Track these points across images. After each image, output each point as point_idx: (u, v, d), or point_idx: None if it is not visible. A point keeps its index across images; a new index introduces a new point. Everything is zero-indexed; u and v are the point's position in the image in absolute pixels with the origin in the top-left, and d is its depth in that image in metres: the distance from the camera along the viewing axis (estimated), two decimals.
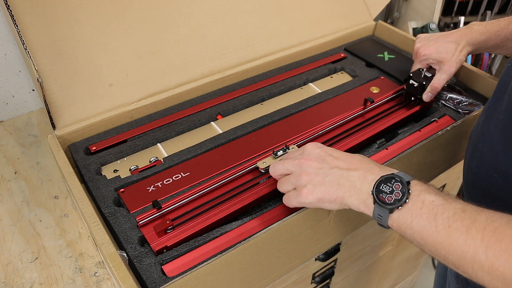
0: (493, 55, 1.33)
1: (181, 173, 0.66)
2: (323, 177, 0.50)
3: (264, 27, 0.88)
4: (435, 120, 0.75)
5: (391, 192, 0.45)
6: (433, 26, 1.17)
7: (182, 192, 0.63)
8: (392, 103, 0.79)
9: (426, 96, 0.74)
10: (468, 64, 0.84)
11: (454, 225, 0.40)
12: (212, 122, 0.77)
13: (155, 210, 0.58)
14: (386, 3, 1.03)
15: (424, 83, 0.74)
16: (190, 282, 0.51)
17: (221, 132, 0.74)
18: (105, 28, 0.73)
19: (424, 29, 1.20)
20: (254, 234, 0.54)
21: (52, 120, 0.69)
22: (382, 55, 0.94)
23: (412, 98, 0.77)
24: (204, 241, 0.55)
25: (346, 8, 0.99)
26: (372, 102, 0.76)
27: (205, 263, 0.51)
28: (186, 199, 0.59)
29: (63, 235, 0.66)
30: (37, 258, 0.62)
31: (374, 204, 0.46)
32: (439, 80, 0.73)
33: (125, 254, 0.52)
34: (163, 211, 0.58)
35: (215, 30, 0.83)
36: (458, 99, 0.78)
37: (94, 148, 0.70)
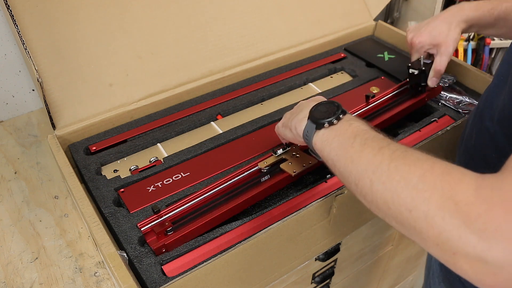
0: (493, 55, 1.33)
1: (181, 173, 0.66)
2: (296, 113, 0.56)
3: (264, 27, 0.88)
4: (435, 120, 0.75)
5: (325, 112, 0.48)
6: None
7: (182, 193, 0.63)
8: (399, 96, 0.77)
9: (432, 81, 0.73)
10: (468, 64, 0.84)
11: (369, 143, 0.42)
12: (212, 122, 0.77)
13: (156, 215, 0.57)
14: (386, 3, 1.03)
15: (424, 68, 0.72)
16: (190, 282, 0.51)
17: (221, 132, 0.74)
18: (105, 28, 0.73)
19: None
20: (254, 234, 0.54)
21: (52, 120, 0.69)
22: (382, 55, 0.94)
23: (419, 89, 0.75)
24: (204, 241, 0.55)
25: (346, 8, 0.99)
26: (373, 97, 0.74)
27: (205, 263, 0.51)
28: (186, 202, 0.59)
29: (63, 235, 0.66)
30: (37, 258, 0.62)
31: (307, 120, 0.49)
32: (440, 62, 0.71)
33: (125, 254, 0.52)
34: (164, 217, 0.57)
35: (215, 30, 0.83)
36: (458, 99, 0.78)
37: (94, 148, 0.70)
